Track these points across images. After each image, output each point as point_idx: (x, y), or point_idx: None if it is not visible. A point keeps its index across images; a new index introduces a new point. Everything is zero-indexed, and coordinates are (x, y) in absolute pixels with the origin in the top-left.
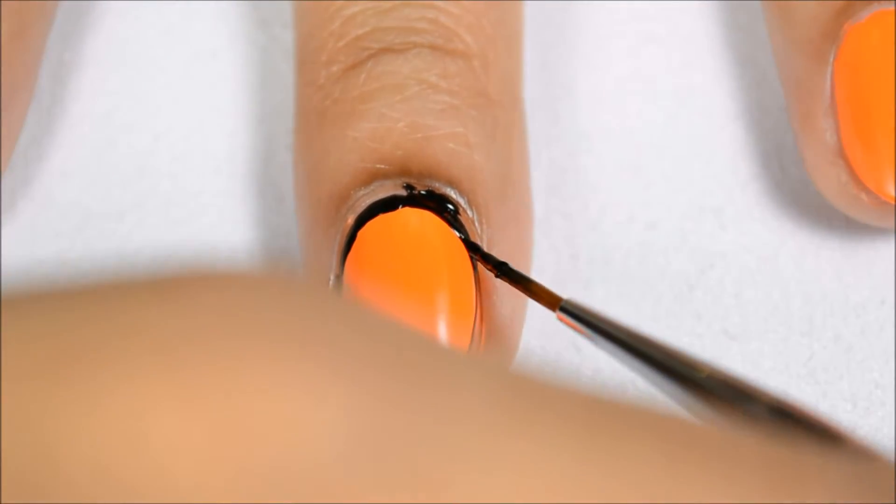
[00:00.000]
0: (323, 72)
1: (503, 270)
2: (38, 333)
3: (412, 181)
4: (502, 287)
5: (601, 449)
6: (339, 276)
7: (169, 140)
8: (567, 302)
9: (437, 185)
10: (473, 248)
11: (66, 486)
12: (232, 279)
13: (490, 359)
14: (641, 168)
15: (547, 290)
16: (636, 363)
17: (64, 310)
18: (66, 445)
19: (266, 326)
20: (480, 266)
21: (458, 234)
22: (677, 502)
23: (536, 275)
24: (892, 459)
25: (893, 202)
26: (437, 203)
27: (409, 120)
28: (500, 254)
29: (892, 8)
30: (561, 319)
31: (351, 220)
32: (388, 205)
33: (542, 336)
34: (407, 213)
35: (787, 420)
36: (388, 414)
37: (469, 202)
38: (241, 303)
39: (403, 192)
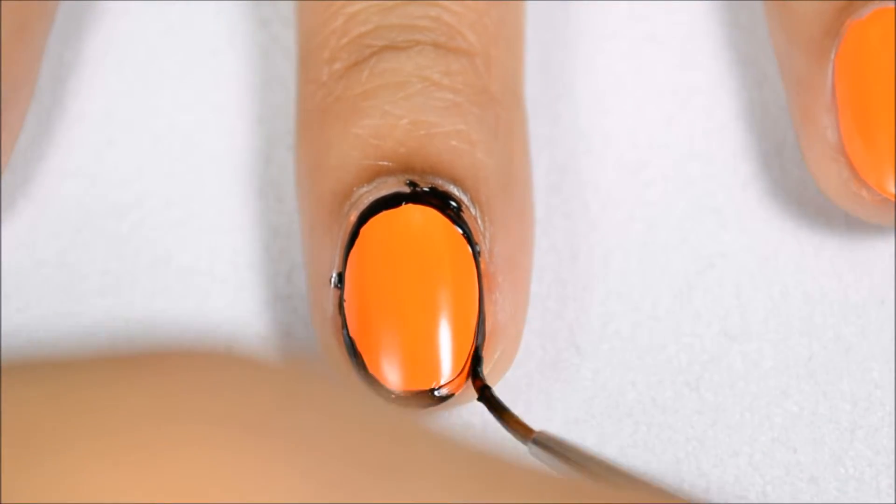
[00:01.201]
0: (325, 69)
1: (483, 395)
2: (27, 402)
3: (415, 178)
4: (505, 285)
5: None
6: (341, 274)
7: (169, 140)
8: (539, 434)
9: (439, 182)
10: (476, 361)
11: None
12: (202, 359)
13: (457, 446)
14: (641, 168)
15: (521, 423)
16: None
17: (51, 380)
18: None
19: (223, 410)
20: (483, 264)
21: (460, 231)
22: None
23: (537, 275)
24: None
25: (894, 199)
26: (440, 200)
27: (412, 117)
28: (502, 251)
29: (893, 5)
30: (534, 452)
31: (353, 217)
32: (391, 202)
33: (542, 336)
34: (410, 210)
35: None
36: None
37: (472, 199)
38: (205, 384)
39: (406, 189)
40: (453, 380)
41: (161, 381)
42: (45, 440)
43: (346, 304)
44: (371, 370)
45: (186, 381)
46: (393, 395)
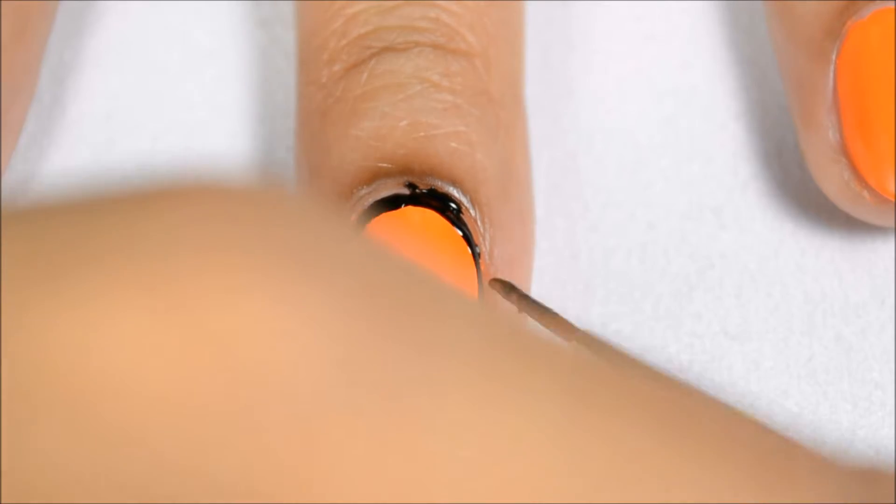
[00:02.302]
0: (325, 71)
1: (520, 298)
2: (31, 241)
3: (414, 180)
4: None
5: (587, 422)
6: None
7: (169, 140)
8: (582, 333)
9: (439, 183)
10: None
11: (48, 388)
12: (224, 192)
13: (492, 308)
14: (641, 168)
15: (563, 321)
16: None
17: (56, 219)
18: (41, 351)
19: (247, 238)
20: (483, 266)
21: (460, 232)
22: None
23: (537, 275)
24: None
25: (895, 200)
26: (439, 202)
27: (412, 119)
28: (502, 252)
29: (894, 6)
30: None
31: (353, 218)
32: (391, 203)
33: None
34: (409, 212)
35: None
36: (367, 337)
37: (472, 201)
38: (228, 215)
39: (406, 191)
40: None
41: (178, 213)
42: (61, 272)
43: None
44: None
45: (206, 211)
46: None
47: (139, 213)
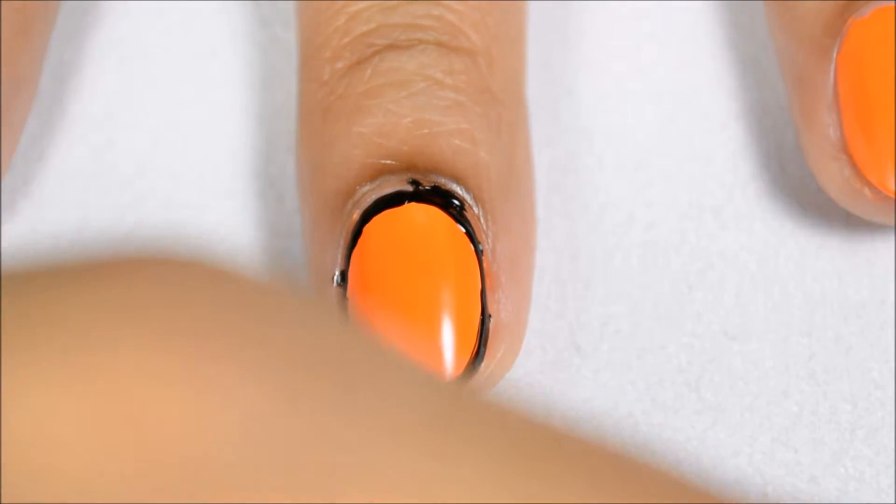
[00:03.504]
0: (327, 68)
1: None
2: None
3: (418, 177)
4: (507, 284)
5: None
6: (343, 272)
7: (169, 140)
8: None
9: (442, 180)
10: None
11: None
12: (157, 266)
13: (424, 371)
14: (641, 168)
15: None
16: None
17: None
18: None
19: (175, 318)
20: (486, 263)
21: (463, 230)
22: None
23: (537, 275)
24: None
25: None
26: (442, 199)
27: (415, 116)
28: (504, 250)
29: (894, 4)
30: None
31: (356, 215)
32: (394, 200)
33: (542, 336)
34: (413, 209)
35: None
36: (290, 415)
37: (475, 198)
38: (155, 292)
39: (409, 188)
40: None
41: (120, 288)
42: None
43: (348, 303)
44: None
45: (148, 289)
46: None
47: (75, 286)
